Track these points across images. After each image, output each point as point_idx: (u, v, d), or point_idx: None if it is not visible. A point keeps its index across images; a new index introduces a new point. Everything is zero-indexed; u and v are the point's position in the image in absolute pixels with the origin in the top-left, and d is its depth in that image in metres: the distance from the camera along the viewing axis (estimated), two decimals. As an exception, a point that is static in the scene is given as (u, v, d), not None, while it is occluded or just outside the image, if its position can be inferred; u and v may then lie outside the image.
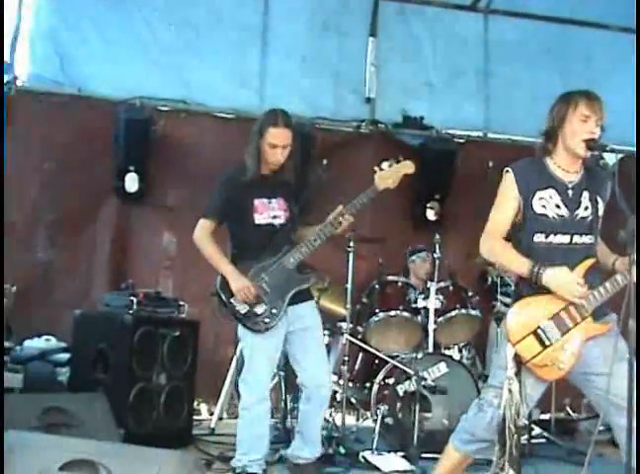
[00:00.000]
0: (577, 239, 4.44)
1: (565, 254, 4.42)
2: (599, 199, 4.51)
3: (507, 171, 4.52)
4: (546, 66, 9.56)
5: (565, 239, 4.43)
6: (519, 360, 4.35)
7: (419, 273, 8.10)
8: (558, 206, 4.44)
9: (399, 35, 9.50)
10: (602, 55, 9.81)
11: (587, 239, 4.46)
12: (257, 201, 5.43)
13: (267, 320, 5.37)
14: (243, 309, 5.39)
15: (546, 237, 4.43)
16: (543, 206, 4.44)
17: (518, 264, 4.40)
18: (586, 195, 4.50)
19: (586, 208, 4.48)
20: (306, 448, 5.70)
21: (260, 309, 5.37)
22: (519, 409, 4.28)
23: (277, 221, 5.46)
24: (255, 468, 5.53)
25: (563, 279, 4.28)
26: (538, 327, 4.35)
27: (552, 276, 4.27)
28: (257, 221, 5.43)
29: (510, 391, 4.31)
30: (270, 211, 5.45)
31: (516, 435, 4.30)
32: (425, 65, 9.52)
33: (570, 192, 4.48)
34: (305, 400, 5.68)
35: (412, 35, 9.52)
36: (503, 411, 4.30)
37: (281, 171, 5.54)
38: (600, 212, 4.52)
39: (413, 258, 8.20)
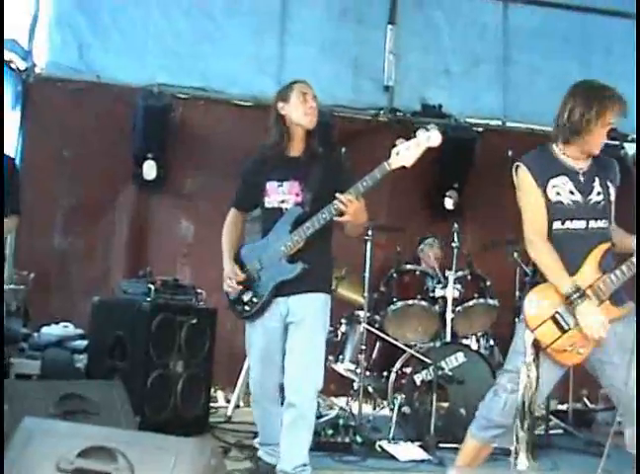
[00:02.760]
0: (592, 224, 4.44)
1: (582, 239, 4.43)
2: (609, 185, 4.52)
3: (518, 166, 4.52)
4: (565, 55, 9.53)
5: (581, 224, 4.44)
6: (537, 346, 4.35)
7: (428, 260, 8.00)
8: (572, 192, 4.44)
9: (418, 23, 9.49)
10: (622, 44, 9.75)
11: (602, 223, 4.46)
12: (268, 185, 5.24)
13: (247, 307, 5.23)
14: (232, 295, 5.31)
15: (563, 224, 4.44)
16: (558, 193, 4.44)
17: (559, 280, 4.38)
18: (597, 180, 4.50)
19: (598, 194, 4.48)
20: (280, 464, 5.18)
21: (246, 296, 5.24)
22: (535, 395, 4.28)
23: (284, 205, 5.20)
24: (261, 453, 5.50)
25: (595, 320, 4.27)
26: (557, 312, 4.36)
27: (586, 311, 4.28)
28: (267, 205, 5.26)
29: (528, 377, 4.30)
30: (278, 195, 5.21)
31: (531, 422, 4.30)
32: (443, 53, 9.50)
33: (582, 178, 4.48)
34: (283, 408, 5.20)
35: (431, 23, 9.50)
36: (521, 397, 4.30)
37: (307, 150, 5.29)
38: (612, 197, 4.53)
39: (421, 246, 8.16)
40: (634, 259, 4.34)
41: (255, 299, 5.22)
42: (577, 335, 4.35)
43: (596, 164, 4.55)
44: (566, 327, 4.35)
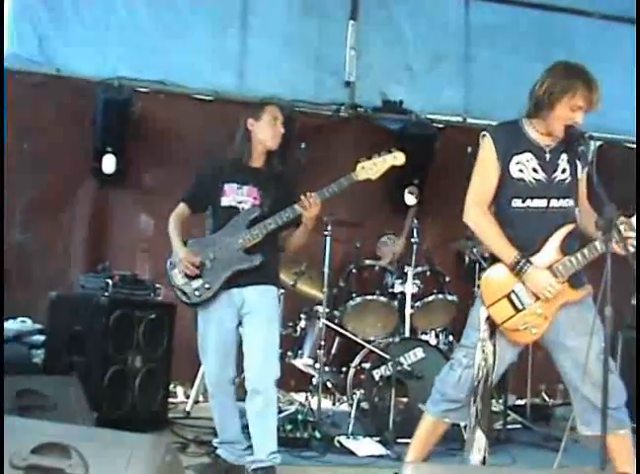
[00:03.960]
0: (554, 203, 4.47)
1: (541, 218, 4.46)
2: (577, 163, 4.54)
3: (484, 135, 4.54)
4: (527, 52, 9.56)
5: (542, 203, 4.46)
6: (492, 323, 4.39)
7: (386, 257, 8.08)
8: (535, 170, 4.46)
9: (380, 18, 9.47)
10: (584, 43, 9.81)
11: (564, 202, 4.49)
12: (227, 186, 5.36)
13: (197, 293, 5.29)
14: (180, 281, 5.36)
15: (523, 202, 4.46)
16: (520, 170, 4.46)
17: (504, 251, 4.41)
18: (564, 157, 4.53)
19: (563, 171, 4.51)
20: (255, 453, 5.33)
21: (196, 283, 5.30)
22: (490, 370, 4.33)
23: (241, 205, 5.34)
24: (220, 451, 5.56)
25: (542, 282, 4.33)
26: (512, 291, 4.41)
27: (533, 276, 4.33)
28: (222, 203, 5.36)
29: (483, 352, 4.35)
30: (237, 196, 5.35)
31: (486, 396, 4.35)
32: (405, 49, 9.50)
33: (547, 155, 4.51)
34: (247, 399, 5.34)
35: (393, 18, 9.50)
36: (476, 371, 4.35)
37: (269, 161, 5.48)
38: (580, 175, 4.56)
39: (378, 244, 8.24)
40: (597, 243, 4.34)
41: (207, 286, 5.31)
42: (530, 314, 4.39)
43: (564, 141, 4.53)
44: (520, 307, 4.40)
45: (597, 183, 4.20)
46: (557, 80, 4.41)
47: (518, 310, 4.40)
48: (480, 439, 4.38)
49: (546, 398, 8.83)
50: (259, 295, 5.35)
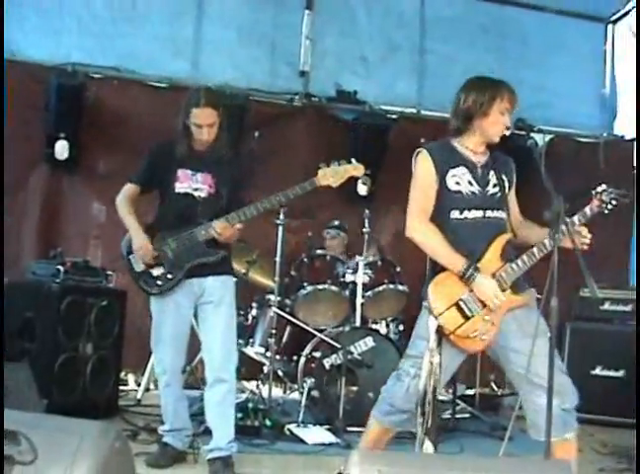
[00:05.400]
0: (489, 214, 4.56)
1: (479, 228, 4.53)
2: (504, 178, 4.65)
3: (419, 152, 4.61)
4: (482, 45, 9.67)
5: (479, 214, 4.54)
6: (441, 332, 4.43)
7: (331, 249, 8.12)
8: (470, 183, 4.55)
9: (335, 8, 9.50)
10: (538, 37, 9.94)
11: (498, 214, 4.58)
12: (180, 171, 5.36)
13: (159, 282, 5.31)
14: (139, 268, 5.36)
15: (461, 213, 4.53)
16: (457, 183, 4.54)
17: (452, 260, 4.45)
18: (493, 173, 4.64)
19: (494, 186, 4.61)
20: (212, 440, 5.43)
21: (156, 272, 5.32)
22: (438, 380, 4.36)
23: (197, 193, 5.37)
24: (168, 438, 5.60)
25: (489, 291, 4.39)
26: (460, 299, 4.44)
27: (481, 284, 4.38)
28: (176, 190, 5.36)
29: (431, 363, 4.38)
30: (191, 183, 5.37)
31: (434, 407, 4.38)
32: (360, 40, 9.53)
33: (479, 170, 4.61)
34: (208, 387, 5.45)
35: (348, 9, 9.53)
36: (423, 382, 4.38)
37: (214, 147, 5.44)
38: (507, 190, 4.66)
39: (324, 234, 8.31)
40: (535, 249, 4.44)
41: (169, 276, 5.33)
42: (480, 321, 4.43)
43: (492, 159, 4.69)
44: (469, 314, 4.43)
45: (544, 176, 4.26)
46: (482, 90, 4.54)
47: (467, 318, 4.44)
48: (428, 450, 4.41)
49: (495, 388, 8.93)
50: (219, 285, 5.42)
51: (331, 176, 5.33)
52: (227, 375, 5.35)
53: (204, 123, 5.30)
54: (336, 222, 8.30)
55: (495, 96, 4.50)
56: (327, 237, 8.28)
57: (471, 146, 4.63)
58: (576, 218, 4.40)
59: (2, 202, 5.34)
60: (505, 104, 4.51)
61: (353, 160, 5.44)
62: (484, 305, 4.43)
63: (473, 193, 4.54)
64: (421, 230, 4.53)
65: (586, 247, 4.36)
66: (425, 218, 4.53)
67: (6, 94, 7.76)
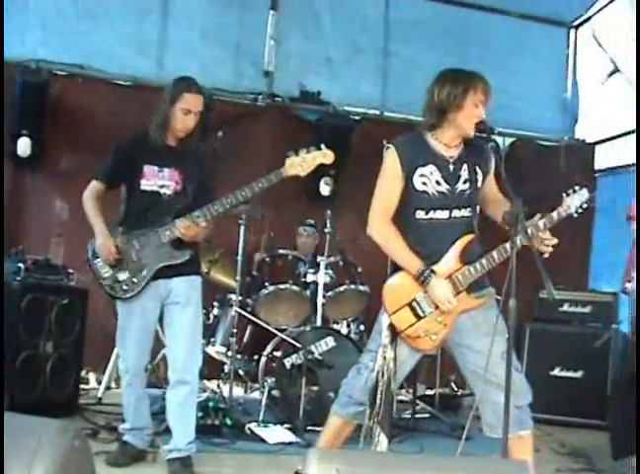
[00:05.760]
0: (456, 213, 4.54)
1: (445, 228, 4.53)
2: (478, 171, 4.61)
3: (387, 148, 4.57)
4: (444, 48, 9.72)
5: (444, 214, 4.53)
6: (393, 330, 4.47)
7: (303, 247, 8.20)
8: (438, 183, 4.51)
9: (300, 10, 9.53)
10: (500, 40, 10.03)
11: (466, 212, 4.56)
12: (147, 168, 5.28)
13: (125, 287, 5.25)
14: (105, 273, 5.30)
15: (426, 213, 4.52)
16: (424, 183, 4.51)
17: (408, 262, 4.47)
18: (465, 167, 4.59)
19: (465, 182, 4.57)
20: (174, 441, 5.39)
21: (122, 276, 5.26)
22: (391, 376, 4.40)
23: (163, 190, 5.29)
24: (128, 437, 5.59)
25: (442, 295, 4.40)
26: (414, 299, 4.47)
27: (435, 287, 4.40)
28: (142, 187, 5.28)
29: (384, 358, 4.42)
30: (158, 180, 5.29)
31: (387, 400, 4.42)
32: (325, 41, 9.56)
33: (451, 166, 4.56)
34: (170, 387, 5.41)
35: (313, 10, 9.55)
36: (375, 377, 4.42)
37: (187, 141, 5.37)
38: (480, 184, 4.62)
39: (299, 231, 8.32)
40: (495, 253, 4.46)
41: (135, 280, 5.27)
42: (432, 322, 4.47)
43: (467, 150, 4.63)
44: (421, 314, 4.47)
45: (504, 178, 4.31)
46: (455, 83, 4.49)
47: (419, 318, 4.48)
48: (382, 443, 4.45)
49: (455, 388, 8.98)
50: (186, 286, 5.37)
51: (299, 165, 5.16)
52: (190, 377, 5.34)
53: (195, 110, 5.26)
54: (311, 221, 8.32)
55: (469, 88, 4.46)
56: (303, 234, 8.30)
57: (445, 140, 4.58)
58: (541, 223, 4.39)
59: (2, 202, 5.30)
60: (479, 95, 4.47)
61: (322, 146, 5.26)
62: (437, 306, 4.47)
63: (441, 192, 4.52)
64: (381, 231, 4.53)
65: (548, 252, 4.39)
66: (386, 219, 4.53)
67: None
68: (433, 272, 4.42)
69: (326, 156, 5.24)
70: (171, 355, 5.42)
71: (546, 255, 4.35)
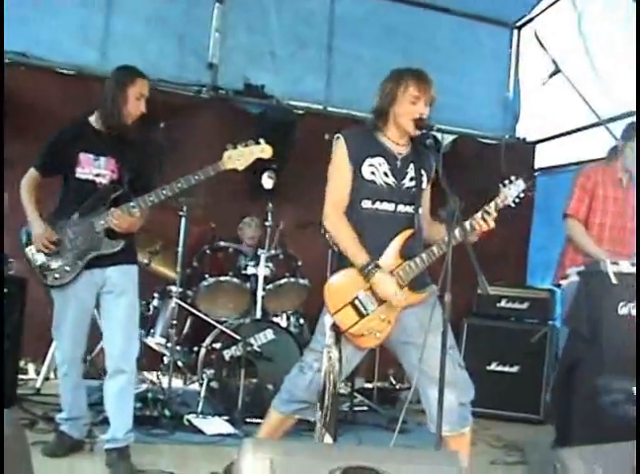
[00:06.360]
0: (401, 208, 4.61)
1: (390, 221, 4.59)
2: (423, 172, 4.69)
3: (337, 138, 4.64)
4: (389, 45, 9.73)
5: (390, 207, 4.59)
6: (337, 329, 4.50)
7: (245, 238, 8.25)
8: (386, 174, 4.59)
9: (246, 3, 9.49)
10: (444, 38, 10.07)
11: (410, 209, 4.63)
12: (82, 156, 5.26)
13: (57, 275, 5.24)
14: (38, 260, 5.30)
15: (373, 203, 4.58)
16: (372, 173, 4.58)
17: (356, 254, 4.51)
18: (412, 166, 4.67)
19: (411, 179, 4.65)
20: (111, 431, 5.41)
21: (55, 264, 5.25)
22: (337, 375, 4.44)
23: (99, 179, 5.28)
24: (65, 427, 5.59)
25: (389, 289, 4.45)
26: (356, 297, 4.51)
27: (380, 281, 4.44)
28: (77, 175, 5.27)
29: (329, 359, 4.45)
30: (93, 168, 5.27)
31: (333, 401, 4.45)
32: (269, 35, 9.52)
33: (398, 162, 4.64)
34: (107, 377, 5.41)
35: (259, 4, 9.51)
36: (323, 378, 4.45)
37: (127, 128, 5.35)
38: (424, 185, 4.70)
39: (240, 224, 8.37)
40: (434, 247, 4.53)
41: (67, 268, 5.25)
42: (375, 320, 4.52)
43: (414, 151, 4.71)
44: (364, 312, 4.51)
45: (441, 174, 4.38)
46: (389, 80, 4.62)
47: (362, 316, 4.52)
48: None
49: (393, 382, 9.04)
50: (122, 275, 5.37)
51: (237, 159, 5.18)
52: (127, 366, 5.34)
53: (146, 94, 5.32)
54: (247, 213, 8.39)
55: (401, 83, 4.55)
56: (244, 227, 8.36)
57: (393, 138, 4.66)
58: (479, 214, 4.49)
59: (2, 201, 5.26)
60: (411, 91, 4.53)
61: (261, 140, 5.27)
62: (380, 303, 4.51)
63: (388, 184, 4.59)
64: (332, 221, 4.59)
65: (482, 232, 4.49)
66: (339, 209, 4.59)
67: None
68: (377, 266, 4.46)
69: (264, 151, 5.26)
70: (108, 345, 5.41)
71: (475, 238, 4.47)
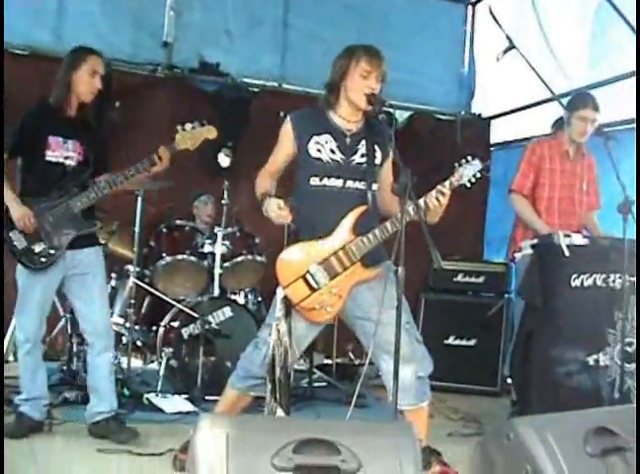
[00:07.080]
0: (350, 184, 4.67)
1: (338, 198, 4.65)
2: (376, 149, 4.74)
3: (285, 117, 4.77)
4: (344, 22, 9.70)
5: (338, 183, 4.66)
6: (288, 303, 4.54)
7: (202, 216, 8.26)
8: (333, 151, 4.66)
9: (200, -20, 9.47)
10: (399, 15, 10.05)
11: (360, 185, 4.68)
12: (51, 139, 5.34)
13: (43, 259, 5.31)
14: (20, 244, 5.32)
15: (320, 180, 4.66)
16: (319, 150, 4.66)
17: (260, 190, 4.70)
18: (363, 143, 4.73)
19: (362, 155, 4.71)
20: (100, 403, 5.61)
21: (38, 247, 5.31)
22: (287, 349, 4.47)
23: (68, 162, 5.37)
24: (25, 408, 5.59)
25: (269, 209, 4.52)
26: (308, 271, 4.56)
27: (268, 206, 4.53)
28: (47, 158, 5.33)
29: (278, 331, 4.49)
30: (63, 151, 5.36)
31: (284, 374, 4.49)
32: (224, 13, 9.47)
33: (348, 139, 4.71)
34: (96, 354, 5.59)
35: (212, -19, 9.51)
36: (271, 349, 4.49)
37: (84, 111, 5.49)
38: (377, 161, 4.75)
39: (195, 203, 8.37)
40: (388, 223, 4.57)
41: (51, 251, 5.35)
42: (325, 293, 4.56)
43: (367, 127, 4.77)
44: (315, 286, 4.56)
45: (393, 148, 4.43)
46: (342, 56, 4.69)
47: (313, 290, 4.57)
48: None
49: (352, 357, 9.09)
50: (95, 256, 5.58)
51: (188, 139, 5.42)
52: (111, 343, 5.68)
53: (100, 71, 5.42)
54: (204, 192, 8.44)
55: (351, 58, 4.61)
56: (200, 205, 8.39)
57: (343, 114, 4.73)
58: (433, 192, 4.52)
59: (2, 202, 5.22)
60: (362, 66, 4.58)
61: (204, 122, 5.51)
62: (332, 278, 4.55)
63: (335, 160, 4.65)
64: (257, 181, 4.79)
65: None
66: (266, 175, 4.80)
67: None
68: (269, 196, 4.55)
69: (209, 131, 5.51)
70: (90, 325, 5.58)
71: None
